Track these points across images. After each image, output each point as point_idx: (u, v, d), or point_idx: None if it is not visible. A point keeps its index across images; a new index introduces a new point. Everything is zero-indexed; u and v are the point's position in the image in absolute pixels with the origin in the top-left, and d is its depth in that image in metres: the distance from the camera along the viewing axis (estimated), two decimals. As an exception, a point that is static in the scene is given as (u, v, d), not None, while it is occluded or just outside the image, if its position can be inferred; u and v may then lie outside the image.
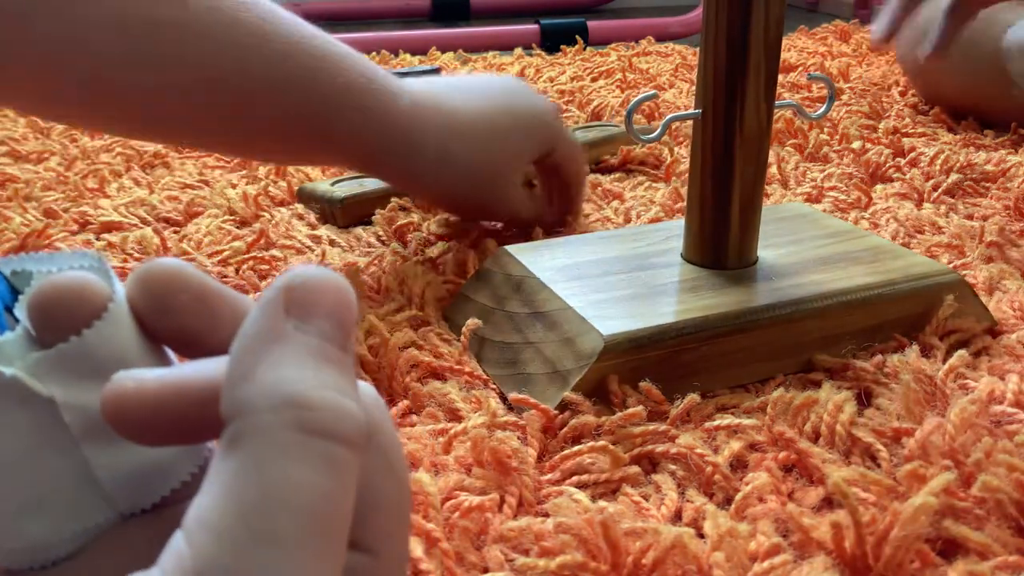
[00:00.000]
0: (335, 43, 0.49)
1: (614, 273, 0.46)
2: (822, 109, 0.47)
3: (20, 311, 0.18)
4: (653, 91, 0.44)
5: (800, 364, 0.43)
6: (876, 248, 0.48)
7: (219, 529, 0.15)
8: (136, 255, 0.58)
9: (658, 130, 0.44)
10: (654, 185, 0.72)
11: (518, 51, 1.29)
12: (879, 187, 0.70)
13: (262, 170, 0.76)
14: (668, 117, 0.44)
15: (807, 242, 0.49)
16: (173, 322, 0.19)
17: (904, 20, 0.67)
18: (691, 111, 0.44)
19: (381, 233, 0.62)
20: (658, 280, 0.45)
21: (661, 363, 0.40)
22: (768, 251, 0.48)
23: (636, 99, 0.44)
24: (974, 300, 0.46)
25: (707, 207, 0.45)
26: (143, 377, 0.17)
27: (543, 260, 0.47)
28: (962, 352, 0.42)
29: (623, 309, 0.42)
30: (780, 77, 1.11)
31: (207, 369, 0.18)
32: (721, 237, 0.45)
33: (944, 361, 0.42)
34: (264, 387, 0.16)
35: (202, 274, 0.20)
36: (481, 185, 0.55)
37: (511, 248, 0.49)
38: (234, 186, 0.72)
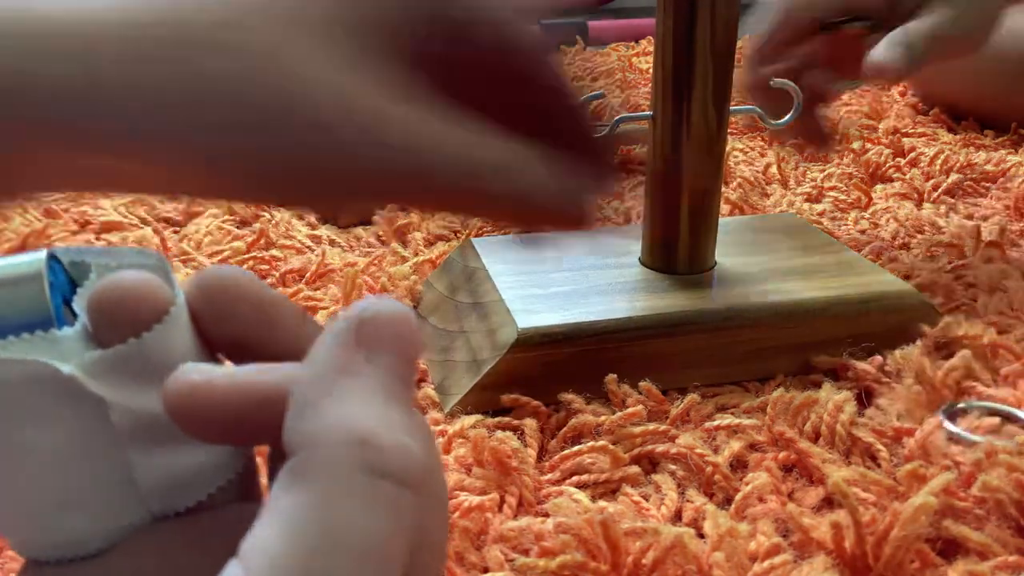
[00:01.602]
0: None
1: (565, 270, 0.46)
2: (787, 117, 0.47)
3: (79, 305, 0.18)
4: (600, 91, 0.44)
5: (726, 375, 0.42)
6: (844, 263, 0.46)
7: (280, 563, 0.15)
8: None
9: (605, 131, 0.43)
10: (654, 185, 0.72)
11: (518, 51, 1.29)
12: (879, 187, 0.70)
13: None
14: (617, 118, 0.43)
15: (777, 253, 0.48)
16: (230, 330, 0.19)
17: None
18: (644, 113, 0.44)
19: (381, 233, 0.62)
20: (604, 280, 0.45)
21: (578, 360, 0.40)
22: (732, 259, 0.47)
23: (582, 99, 0.43)
24: (936, 320, 0.43)
25: (657, 210, 0.45)
26: (211, 372, 0.17)
27: (501, 253, 0.48)
28: (965, 352, 0.42)
29: (553, 305, 0.42)
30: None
31: (273, 373, 0.18)
32: (671, 241, 0.45)
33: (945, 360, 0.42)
34: (333, 421, 0.16)
35: (262, 284, 0.19)
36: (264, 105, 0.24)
37: (477, 240, 0.49)
38: (234, 186, 0.72)
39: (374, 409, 0.16)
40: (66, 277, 0.19)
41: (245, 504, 0.20)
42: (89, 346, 0.18)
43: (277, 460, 0.20)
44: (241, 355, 0.20)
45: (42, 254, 0.18)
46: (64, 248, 0.19)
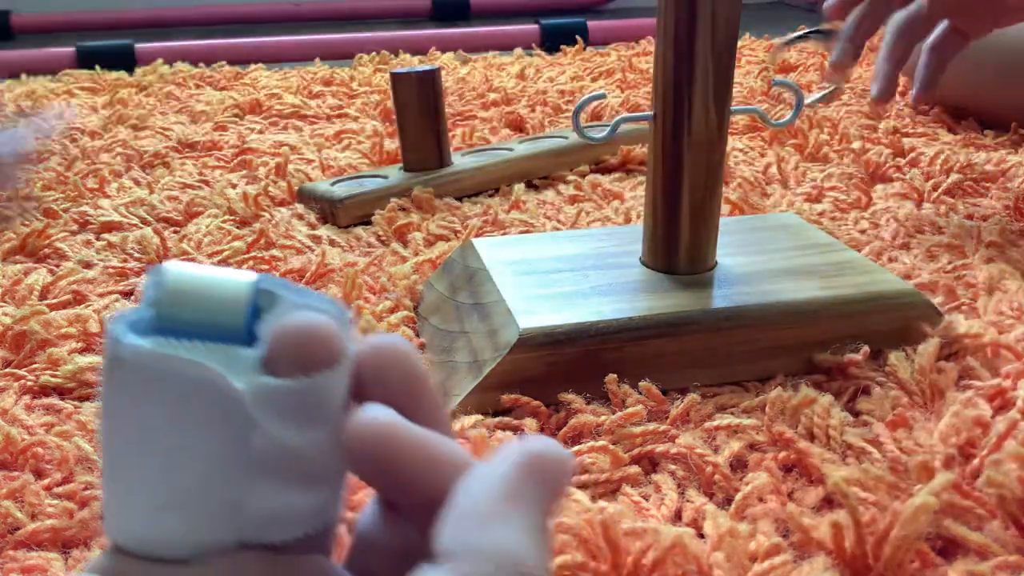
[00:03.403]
0: None
1: (566, 271, 0.46)
2: (788, 117, 0.47)
3: (262, 331, 0.19)
4: (602, 91, 0.44)
5: (726, 375, 0.42)
6: (844, 263, 0.46)
7: None
8: (136, 255, 0.58)
9: (607, 131, 0.44)
10: (654, 185, 0.72)
11: (518, 51, 1.29)
12: (879, 187, 0.70)
13: (262, 170, 0.76)
14: (618, 118, 0.43)
15: (777, 252, 0.48)
16: (380, 393, 0.20)
17: (897, 77, 0.65)
18: (644, 113, 0.44)
19: (381, 233, 0.62)
20: (605, 280, 0.45)
21: (580, 360, 0.40)
22: (733, 258, 0.47)
23: (583, 99, 0.43)
24: (937, 320, 0.44)
25: (658, 210, 0.45)
26: (399, 418, 0.19)
27: (502, 254, 0.48)
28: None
29: (554, 305, 0.42)
30: (778, 77, 1.10)
31: (449, 447, 0.20)
32: (672, 241, 0.45)
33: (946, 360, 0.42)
34: (496, 544, 0.17)
35: (420, 358, 0.21)
36: None
37: (478, 240, 0.49)
38: (234, 186, 0.72)
39: (532, 541, 0.17)
40: (255, 301, 0.20)
41: (318, 556, 0.20)
42: (261, 371, 0.19)
43: (387, 508, 0.21)
44: None
45: (252, 279, 0.19)
46: (261, 275, 0.20)
